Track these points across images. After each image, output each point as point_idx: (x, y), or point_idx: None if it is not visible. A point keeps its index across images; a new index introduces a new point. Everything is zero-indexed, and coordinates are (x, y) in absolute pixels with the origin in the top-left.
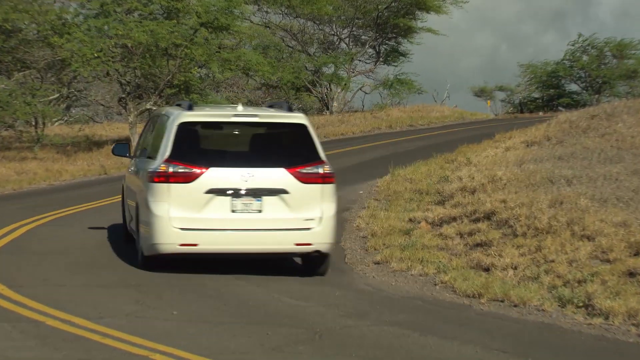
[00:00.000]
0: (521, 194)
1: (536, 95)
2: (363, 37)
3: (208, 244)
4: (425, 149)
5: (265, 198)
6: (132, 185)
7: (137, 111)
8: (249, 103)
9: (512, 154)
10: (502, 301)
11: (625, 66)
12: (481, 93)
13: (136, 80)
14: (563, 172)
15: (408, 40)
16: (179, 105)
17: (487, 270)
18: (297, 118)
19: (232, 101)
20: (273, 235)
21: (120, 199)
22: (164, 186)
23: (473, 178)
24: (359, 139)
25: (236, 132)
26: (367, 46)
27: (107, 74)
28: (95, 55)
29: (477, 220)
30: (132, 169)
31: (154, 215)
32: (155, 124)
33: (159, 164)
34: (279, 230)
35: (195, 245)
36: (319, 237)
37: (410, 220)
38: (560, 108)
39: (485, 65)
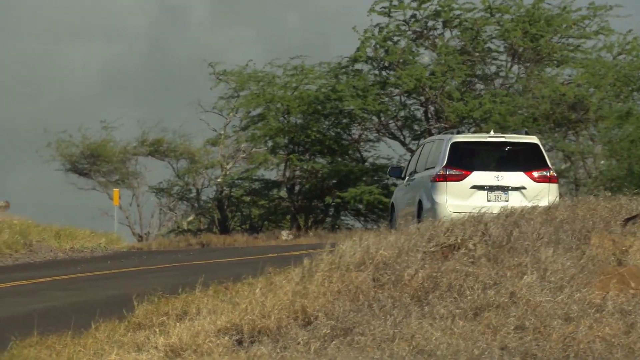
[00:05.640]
0: None
1: (269, 176)
2: None
3: None
4: None
5: (510, 192)
6: (408, 193)
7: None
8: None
9: None
10: None
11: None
12: (87, 167)
13: None
14: None
15: None
16: (445, 134)
17: None
18: (531, 139)
19: None
20: None
21: (389, 215)
22: (442, 184)
23: None
24: None
25: (489, 148)
26: None
27: None
28: None
29: None
30: (406, 183)
31: (437, 204)
32: (427, 148)
33: (439, 169)
34: None
35: None
36: None
37: None
38: (345, 219)
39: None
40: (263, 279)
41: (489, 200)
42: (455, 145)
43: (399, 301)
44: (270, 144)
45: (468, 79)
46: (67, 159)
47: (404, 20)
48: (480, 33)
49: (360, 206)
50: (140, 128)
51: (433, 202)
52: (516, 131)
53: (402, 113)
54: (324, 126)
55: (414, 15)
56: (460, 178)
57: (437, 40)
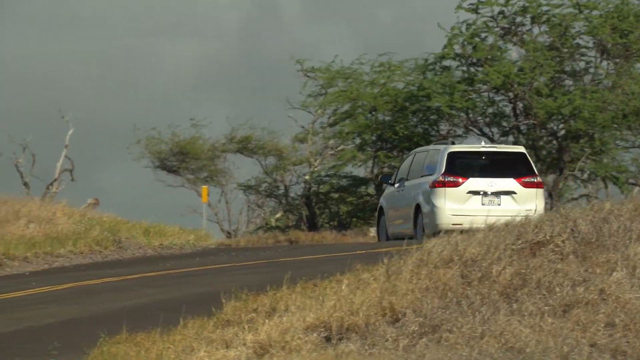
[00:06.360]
0: None
1: (357, 172)
2: None
3: (468, 223)
4: None
5: (502, 196)
6: (402, 197)
7: None
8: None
9: None
10: None
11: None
12: (176, 164)
13: None
14: None
15: None
16: (436, 144)
17: None
18: (519, 149)
19: None
20: (507, 219)
21: (377, 218)
22: (441, 189)
23: None
24: None
25: (482, 157)
26: None
27: None
28: None
29: None
30: (398, 189)
31: (436, 207)
32: (421, 157)
33: (437, 176)
34: (511, 216)
35: (460, 224)
36: None
37: None
38: None
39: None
40: (351, 275)
41: (483, 205)
42: (452, 155)
43: (488, 298)
44: (358, 140)
45: (557, 75)
46: (156, 156)
47: (492, 17)
48: (568, 29)
49: None
50: (229, 125)
51: (432, 206)
52: (503, 141)
53: (490, 109)
54: (412, 123)
55: (501, 12)
56: (457, 184)
57: (525, 36)
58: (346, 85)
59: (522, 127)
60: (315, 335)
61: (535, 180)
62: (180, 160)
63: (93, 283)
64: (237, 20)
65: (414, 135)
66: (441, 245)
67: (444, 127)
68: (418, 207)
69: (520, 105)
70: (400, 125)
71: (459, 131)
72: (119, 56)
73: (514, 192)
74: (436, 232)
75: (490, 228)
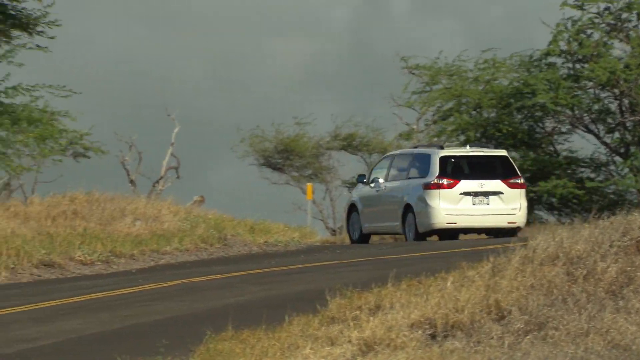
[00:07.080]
0: None
1: None
2: None
3: (461, 222)
4: None
5: (490, 196)
6: (384, 197)
7: None
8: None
9: None
10: None
11: None
12: (281, 162)
13: None
14: None
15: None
16: (415, 147)
17: None
18: (501, 152)
19: None
20: (495, 217)
21: (347, 216)
22: (436, 191)
23: None
24: None
25: (470, 160)
26: None
27: None
28: None
29: None
30: (376, 189)
31: (431, 207)
32: (404, 160)
33: (432, 178)
34: (499, 215)
35: (454, 223)
36: (520, 218)
37: None
38: (539, 213)
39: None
40: (455, 273)
41: (474, 204)
42: (444, 159)
43: (593, 295)
44: (462, 137)
45: None
46: (261, 154)
47: (597, 13)
48: None
49: (554, 200)
50: (332, 123)
51: (427, 206)
52: (484, 144)
53: (595, 106)
54: (516, 120)
55: (607, 8)
56: (451, 186)
57: (631, 32)
58: (450, 82)
59: (628, 124)
60: (420, 332)
61: (520, 181)
62: (285, 158)
63: (198, 280)
64: (346, 17)
65: (518, 132)
66: (546, 242)
67: (549, 124)
68: (408, 207)
69: (626, 101)
70: (504, 122)
71: (564, 128)
72: (226, 54)
73: (501, 193)
74: (429, 230)
75: (596, 225)
